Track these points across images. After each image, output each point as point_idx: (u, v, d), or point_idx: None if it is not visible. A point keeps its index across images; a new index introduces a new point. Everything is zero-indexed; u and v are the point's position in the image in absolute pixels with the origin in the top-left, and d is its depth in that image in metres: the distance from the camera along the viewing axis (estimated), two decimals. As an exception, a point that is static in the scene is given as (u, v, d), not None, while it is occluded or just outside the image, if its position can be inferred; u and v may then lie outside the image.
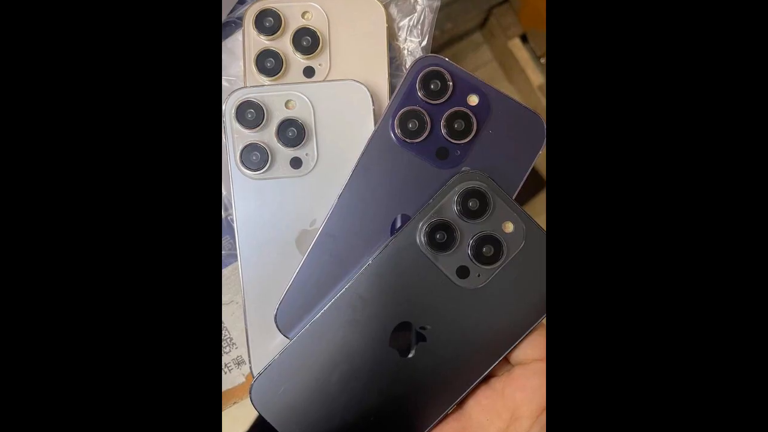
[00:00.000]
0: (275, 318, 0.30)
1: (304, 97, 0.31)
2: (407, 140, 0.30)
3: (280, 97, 0.31)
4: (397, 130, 0.30)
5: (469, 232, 0.28)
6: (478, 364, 0.29)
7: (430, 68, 0.30)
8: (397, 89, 0.30)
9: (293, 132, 0.31)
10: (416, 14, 0.34)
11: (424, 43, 0.34)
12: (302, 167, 0.31)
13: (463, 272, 0.29)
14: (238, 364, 0.35)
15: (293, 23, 0.32)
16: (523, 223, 0.28)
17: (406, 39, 0.34)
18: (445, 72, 0.30)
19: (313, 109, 0.31)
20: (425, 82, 0.30)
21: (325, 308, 0.29)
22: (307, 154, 0.31)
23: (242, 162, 0.31)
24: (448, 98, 0.30)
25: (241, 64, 0.32)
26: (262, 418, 0.29)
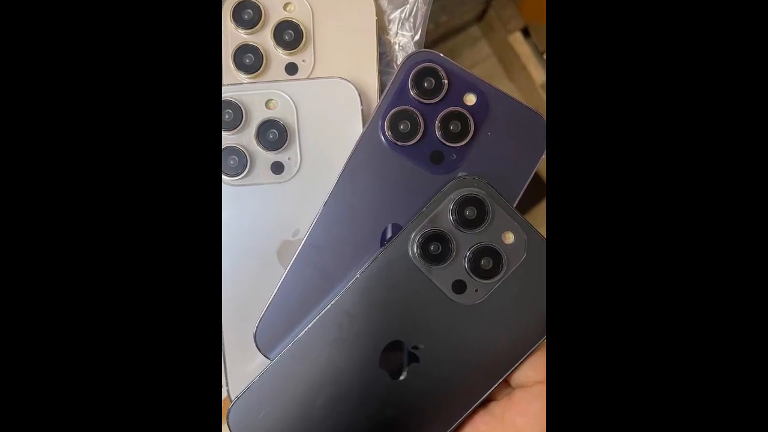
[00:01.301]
0: (254, 337, 0.30)
1: (286, 96, 0.31)
2: (398, 143, 0.30)
3: (260, 96, 0.31)
4: (388, 132, 0.30)
5: (465, 244, 0.28)
6: (476, 386, 0.28)
7: (424, 65, 0.29)
8: (387, 87, 0.30)
9: (274, 134, 0.31)
10: (408, 6, 0.34)
11: (417, 37, 0.34)
12: (284, 172, 0.31)
13: (459, 287, 0.28)
14: (216, 385, 0.34)
15: (274, 16, 0.32)
16: (524, 234, 0.28)
17: (397, 33, 0.34)
18: (439, 69, 0.29)
19: (296, 109, 0.31)
20: (418, 80, 0.29)
21: (308, 326, 0.28)
22: (289, 159, 0.31)
23: (219, 167, 0.31)
24: (443, 97, 0.30)
25: (218, 60, 0.32)
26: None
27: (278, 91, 0.31)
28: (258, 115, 0.31)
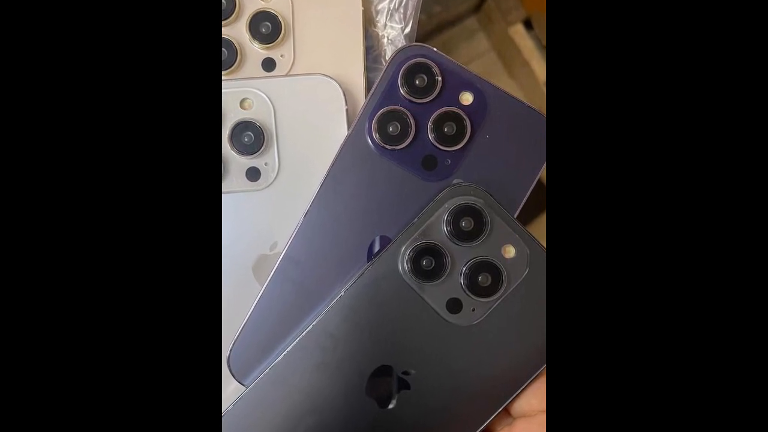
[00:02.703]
0: (228, 361, 0.30)
1: (263, 95, 0.31)
2: (387, 147, 0.29)
3: (234, 95, 0.30)
4: (376, 135, 0.29)
5: (461, 258, 0.28)
6: (473, 416, 0.28)
7: (415, 60, 0.29)
8: (375, 85, 0.30)
9: (250, 137, 0.30)
10: (398, -5, 0.34)
11: (408, 29, 0.34)
12: (261, 179, 0.31)
13: (454, 306, 0.28)
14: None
15: (250, 6, 0.32)
16: (526, 247, 0.28)
17: (386, 25, 0.34)
18: (432, 65, 0.29)
19: (274, 109, 0.31)
20: (409, 77, 0.29)
21: (287, 349, 0.28)
22: (266, 164, 0.31)
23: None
24: (437, 96, 0.29)
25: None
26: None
27: (254, 90, 0.31)
28: (232, 115, 0.31)
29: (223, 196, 0.31)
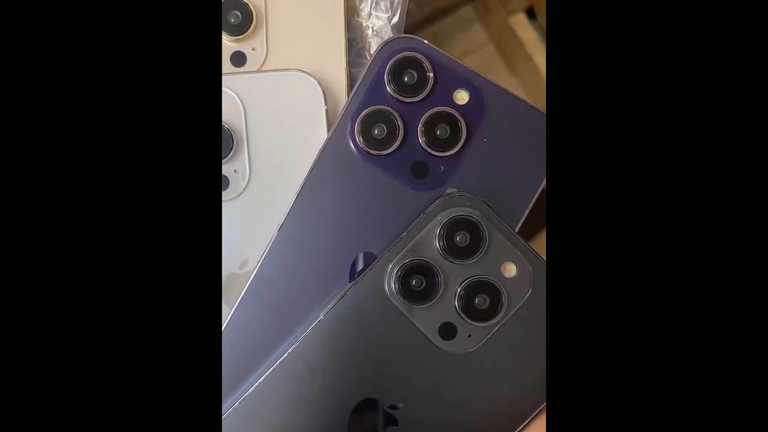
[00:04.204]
0: None
1: (232, 94, 0.30)
2: (372, 152, 0.29)
3: None
4: (359, 138, 0.29)
5: (456, 277, 0.28)
6: None
7: (404, 54, 0.29)
8: (358, 82, 0.29)
9: None
10: (384, -19, 0.35)
11: (395, 19, 0.34)
12: (229, 188, 0.31)
13: (447, 331, 0.28)
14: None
15: None
16: (529, 265, 0.28)
17: (370, 14, 0.34)
18: (423, 59, 0.29)
19: (244, 109, 0.30)
20: (396, 73, 0.29)
21: (260, 380, 0.28)
22: (235, 171, 0.30)
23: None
24: (428, 95, 0.29)
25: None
26: None
27: (222, 87, 0.30)
28: (196, 117, 0.31)
29: (187, 207, 0.31)
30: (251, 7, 0.31)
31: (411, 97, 0.29)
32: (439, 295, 0.28)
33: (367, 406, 0.28)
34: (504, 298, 0.27)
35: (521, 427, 0.28)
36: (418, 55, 0.29)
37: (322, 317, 0.28)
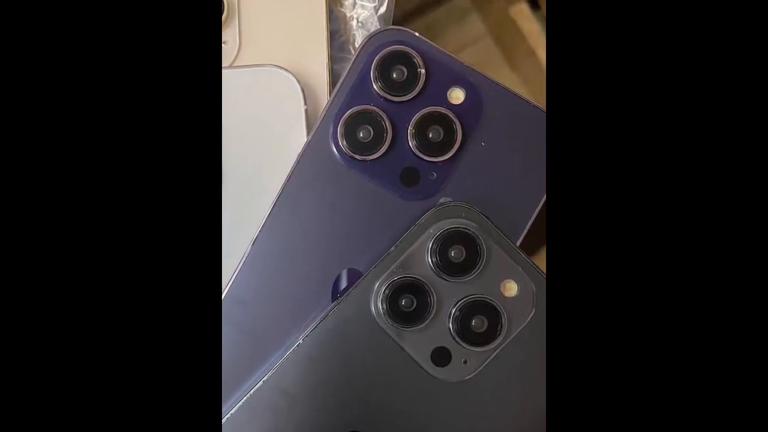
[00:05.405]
0: None
1: None
2: (357, 156, 0.29)
3: None
4: (343, 142, 0.29)
5: (450, 297, 0.28)
6: None
7: (392, 48, 0.29)
8: (341, 80, 0.29)
9: None
10: (371, -33, 0.35)
11: (383, 9, 0.33)
12: None
13: (441, 357, 0.28)
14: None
15: None
16: (531, 283, 0.28)
17: (355, 4, 0.34)
18: (414, 54, 0.29)
19: None
20: (384, 70, 0.29)
21: (232, 411, 0.27)
22: None
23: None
24: (419, 93, 0.29)
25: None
26: None
27: None
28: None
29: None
30: (223, -4, 0.31)
31: (400, 96, 0.29)
32: (431, 316, 0.27)
33: (350, 440, 0.28)
34: (504, 319, 0.27)
35: (523, 461, 0.28)
36: (409, 49, 0.29)
37: (301, 341, 0.27)
